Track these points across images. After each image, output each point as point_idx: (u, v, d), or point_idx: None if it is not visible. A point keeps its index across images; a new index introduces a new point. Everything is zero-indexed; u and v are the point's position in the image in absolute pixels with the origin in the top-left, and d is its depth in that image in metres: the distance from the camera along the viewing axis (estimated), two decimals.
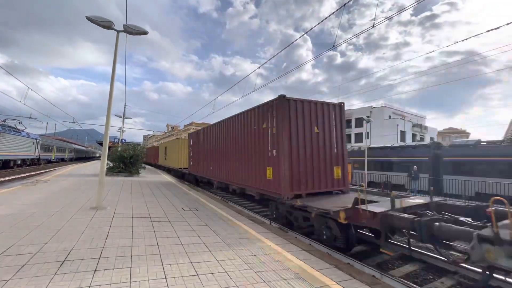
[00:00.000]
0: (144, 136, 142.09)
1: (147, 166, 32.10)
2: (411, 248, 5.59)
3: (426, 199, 6.39)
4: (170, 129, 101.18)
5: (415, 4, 6.39)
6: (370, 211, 5.16)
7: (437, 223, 4.39)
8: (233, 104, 21.14)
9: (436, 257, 5.49)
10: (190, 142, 17.71)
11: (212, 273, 3.42)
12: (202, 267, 3.59)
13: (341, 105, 8.58)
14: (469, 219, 4.87)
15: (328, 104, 8.30)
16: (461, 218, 4.80)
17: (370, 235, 6.70)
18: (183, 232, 5.23)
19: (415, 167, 16.61)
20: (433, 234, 4.35)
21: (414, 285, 4.38)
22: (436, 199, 6.30)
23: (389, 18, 6.84)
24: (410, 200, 6.35)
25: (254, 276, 3.41)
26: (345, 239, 5.77)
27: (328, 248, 5.86)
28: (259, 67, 13.22)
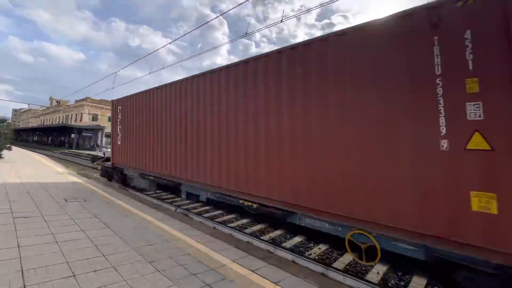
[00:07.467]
0: (15, 110, 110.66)
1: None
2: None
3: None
4: (55, 103, 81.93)
5: (314, 8, 7.17)
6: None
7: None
8: (137, 81, 19.01)
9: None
10: None
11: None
12: None
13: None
14: None
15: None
16: None
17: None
18: None
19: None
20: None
21: (302, 257, 5.01)
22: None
23: (296, 16, 7.43)
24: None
25: None
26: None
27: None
28: (170, 42, 12.15)
